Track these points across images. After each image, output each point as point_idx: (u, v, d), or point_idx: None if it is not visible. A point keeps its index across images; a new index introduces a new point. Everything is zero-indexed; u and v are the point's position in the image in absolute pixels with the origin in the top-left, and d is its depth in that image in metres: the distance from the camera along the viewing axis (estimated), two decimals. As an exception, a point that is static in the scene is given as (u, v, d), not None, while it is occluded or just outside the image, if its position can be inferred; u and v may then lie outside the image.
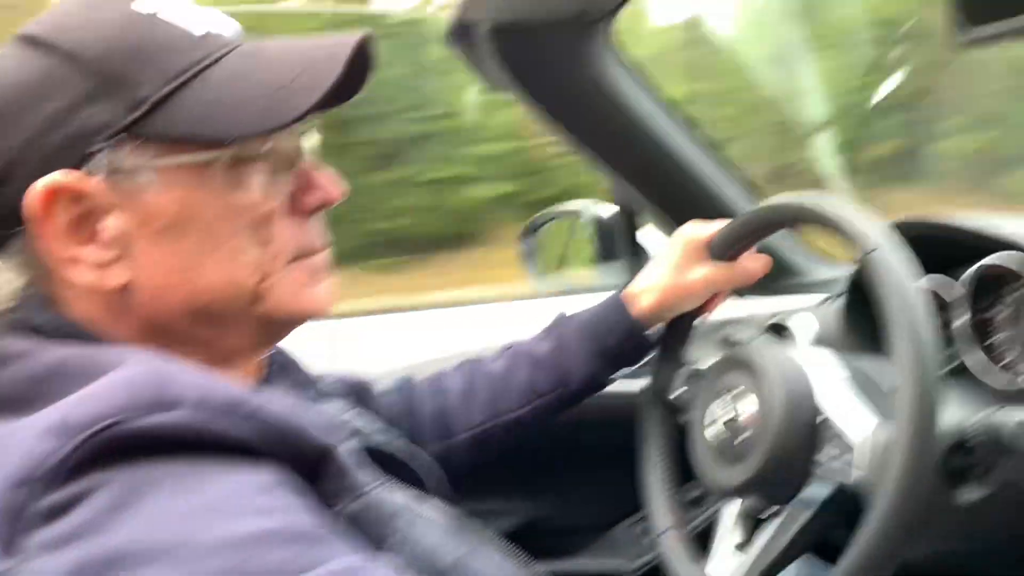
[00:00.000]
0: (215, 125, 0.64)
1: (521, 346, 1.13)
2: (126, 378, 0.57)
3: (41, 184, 0.62)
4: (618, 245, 1.50)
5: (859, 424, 0.84)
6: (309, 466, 0.62)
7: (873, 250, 0.82)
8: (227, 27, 0.70)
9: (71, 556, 0.50)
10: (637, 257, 1.47)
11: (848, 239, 0.87)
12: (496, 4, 1.10)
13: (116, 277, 0.65)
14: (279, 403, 0.62)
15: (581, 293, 1.68)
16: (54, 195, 0.62)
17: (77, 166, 0.63)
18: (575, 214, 1.68)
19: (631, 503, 1.56)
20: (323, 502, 0.62)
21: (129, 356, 0.61)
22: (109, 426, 0.53)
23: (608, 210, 1.58)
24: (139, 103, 0.63)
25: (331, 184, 0.74)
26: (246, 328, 0.72)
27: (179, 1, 0.69)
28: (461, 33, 1.19)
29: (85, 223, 0.64)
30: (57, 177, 0.62)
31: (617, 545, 1.51)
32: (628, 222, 1.47)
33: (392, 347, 1.48)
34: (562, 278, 1.74)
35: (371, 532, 0.64)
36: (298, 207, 0.72)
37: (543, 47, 1.20)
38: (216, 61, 0.66)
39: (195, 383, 0.58)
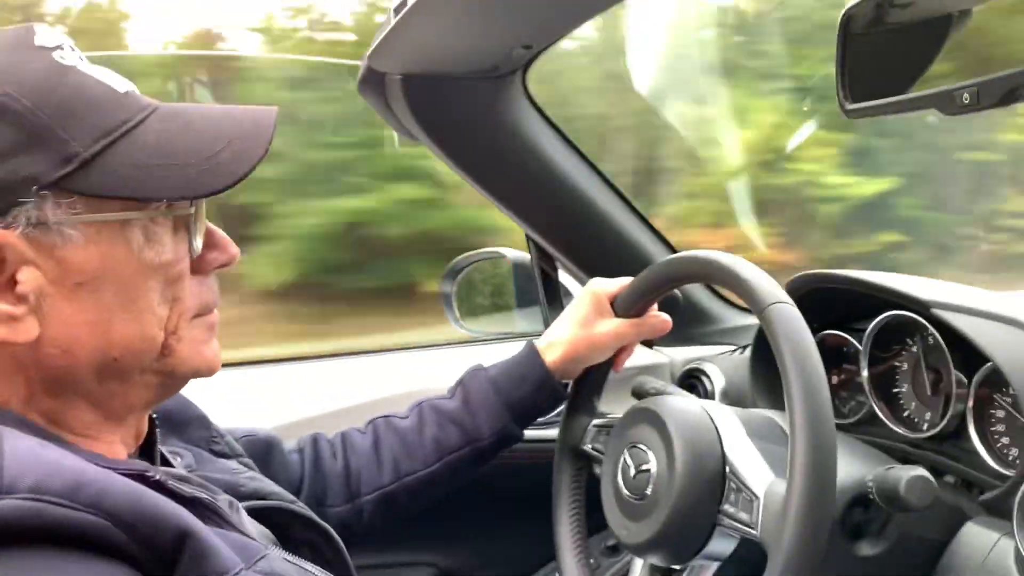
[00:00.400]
0: (144, 186, 0.65)
1: (431, 401, 1.12)
2: None
3: None
4: (536, 292, 1.50)
5: (758, 478, 0.84)
6: (162, 549, 0.59)
7: (768, 306, 0.84)
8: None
9: None
10: (555, 303, 1.48)
11: (745, 295, 0.88)
12: (404, 54, 1.10)
13: (28, 331, 0.63)
14: (126, 485, 0.59)
15: (501, 339, 1.69)
16: None
17: None
18: (495, 258, 1.68)
19: (544, 551, 1.56)
20: None
21: None
22: None
23: (527, 257, 1.59)
24: (68, 159, 0.62)
25: (231, 245, 0.75)
26: (147, 383, 0.71)
27: (84, 57, 0.68)
28: (372, 81, 1.19)
29: None
30: None
31: (532, 595, 1.50)
32: (544, 269, 1.47)
33: (301, 397, 1.44)
34: (483, 323, 1.73)
35: None
36: (201, 266, 0.73)
37: (454, 97, 1.21)
38: (141, 122, 0.67)
39: (32, 464, 0.56)
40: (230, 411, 0.96)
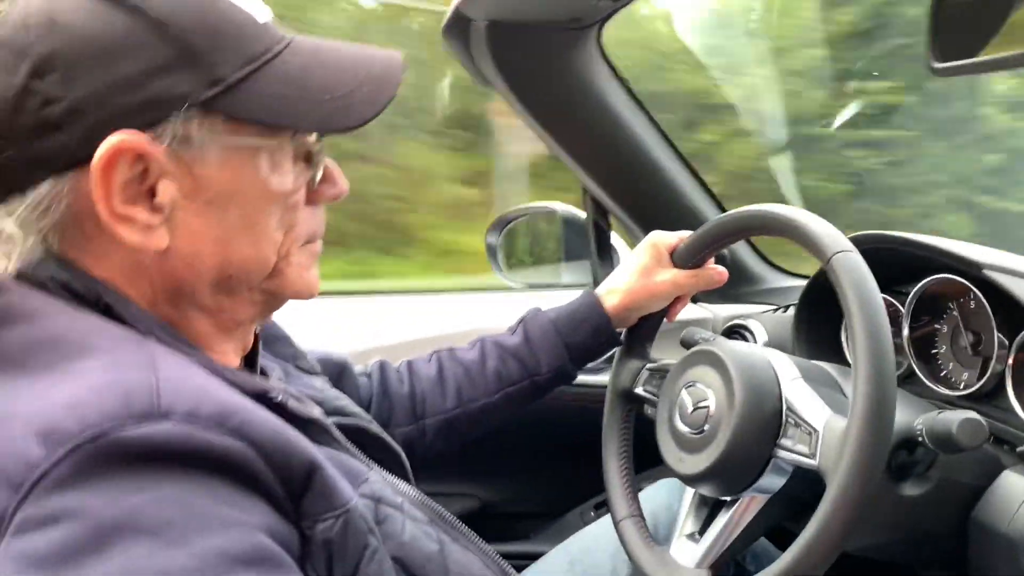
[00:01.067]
0: (282, 116, 0.69)
1: (493, 337, 1.18)
2: (118, 383, 0.58)
3: (112, 140, 0.63)
4: (587, 246, 1.55)
5: (817, 413, 0.90)
6: (295, 481, 0.64)
7: (836, 254, 0.88)
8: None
9: None
10: (606, 259, 1.53)
11: (811, 246, 0.93)
12: (495, 3, 1.14)
13: (160, 240, 0.67)
14: (267, 416, 0.64)
15: (546, 289, 1.74)
16: (119, 153, 0.64)
17: (143, 129, 0.65)
18: (545, 213, 1.72)
19: (582, 490, 1.63)
20: (304, 519, 0.65)
21: (125, 346, 0.63)
22: (97, 436, 0.55)
23: (578, 212, 1.63)
24: (216, 81, 0.66)
25: (342, 180, 0.79)
26: (253, 300, 0.76)
27: None
28: (457, 27, 1.23)
29: (139, 185, 0.66)
30: (127, 137, 0.64)
31: (567, 531, 1.56)
32: (599, 223, 1.52)
33: (364, 329, 1.50)
34: (527, 274, 1.78)
35: (348, 547, 0.67)
36: (314, 197, 0.77)
37: (535, 47, 1.25)
38: (279, 53, 0.70)
39: (186, 391, 0.60)
40: (301, 336, 1.00)
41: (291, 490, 0.64)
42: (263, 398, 0.69)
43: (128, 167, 0.65)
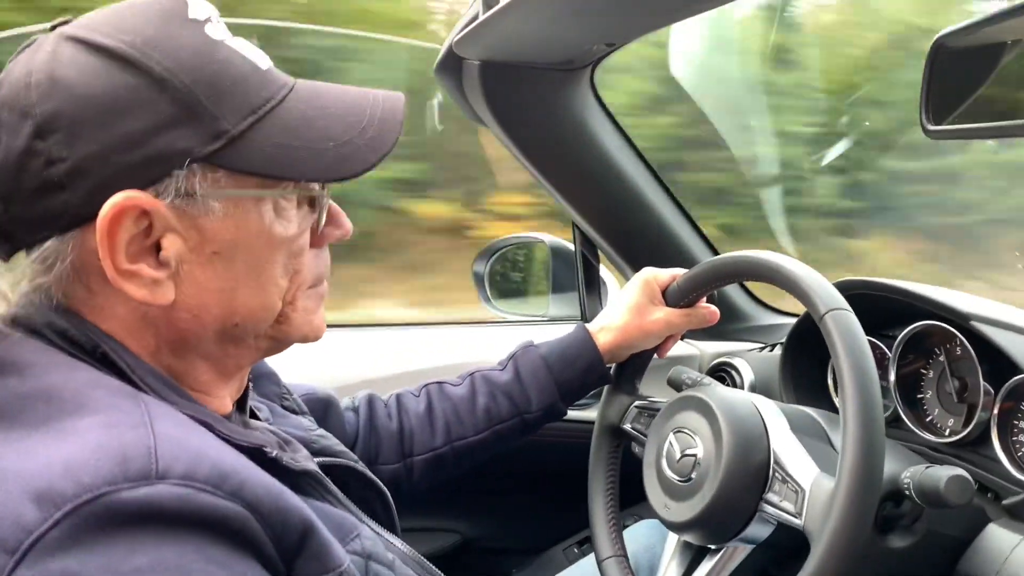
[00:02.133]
0: (284, 167, 0.68)
1: (484, 372, 1.17)
2: (114, 443, 0.57)
3: (117, 199, 0.63)
4: (575, 278, 1.55)
5: (805, 470, 0.90)
6: (290, 543, 0.63)
7: (830, 311, 0.88)
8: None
9: None
10: (593, 292, 1.53)
11: (805, 300, 0.92)
12: (488, 43, 1.14)
13: (166, 295, 0.67)
14: (263, 477, 0.63)
15: (533, 323, 1.73)
16: (123, 211, 0.64)
17: (145, 186, 0.64)
18: (533, 243, 1.72)
19: (565, 526, 1.62)
20: None
21: (121, 403, 0.62)
22: (94, 498, 0.54)
23: (567, 244, 1.63)
24: (219, 135, 0.66)
25: (346, 220, 0.79)
26: (258, 346, 0.75)
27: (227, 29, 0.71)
28: (450, 65, 1.23)
29: (143, 240, 0.66)
30: (132, 194, 0.64)
31: (551, 567, 1.55)
32: (587, 257, 1.52)
33: (348, 362, 1.49)
34: (514, 305, 1.78)
35: None
36: (318, 240, 0.77)
37: (527, 86, 1.25)
38: (282, 100, 0.70)
39: (183, 452, 0.59)
40: (284, 368, 0.99)
41: (286, 553, 0.63)
42: (257, 453, 0.68)
43: (133, 224, 0.65)
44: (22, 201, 0.64)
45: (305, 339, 0.77)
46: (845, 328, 0.86)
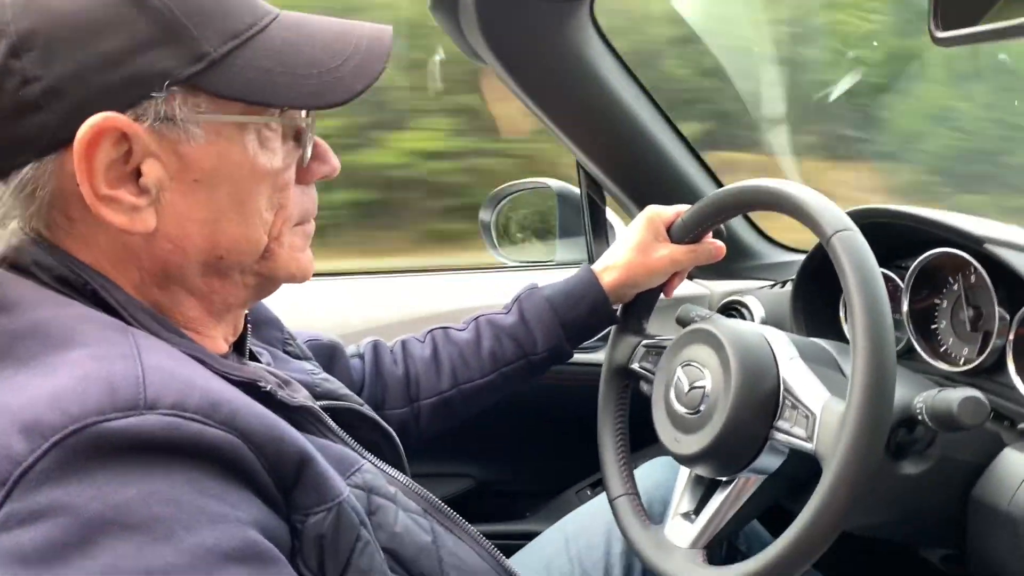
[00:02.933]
0: (268, 92, 0.67)
1: (488, 316, 1.16)
2: (102, 374, 0.57)
3: (94, 120, 0.62)
4: (582, 222, 1.53)
5: (815, 395, 0.88)
6: (286, 474, 0.63)
7: (837, 232, 0.86)
8: None
9: None
10: (601, 235, 1.51)
11: (811, 223, 0.91)
12: (483, -26, 1.11)
13: (146, 222, 0.66)
14: (256, 407, 0.63)
15: (540, 268, 1.72)
16: (101, 132, 0.63)
17: (124, 108, 0.63)
18: (539, 189, 1.70)
19: (578, 469, 1.62)
20: (295, 513, 0.64)
21: (110, 336, 0.62)
22: (81, 428, 0.54)
23: (572, 188, 1.61)
24: (200, 57, 0.65)
25: (333, 157, 0.78)
26: (245, 283, 0.74)
27: None
28: (445, 1, 1.20)
29: (123, 166, 0.65)
30: (111, 115, 0.62)
31: (564, 510, 1.56)
32: (593, 199, 1.50)
33: (356, 309, 1.49)
34: (521, 251, 1.77)
35: (340, 541, 0.66)
36: (304, 176, 0.76)
37: (525, 20, 1.22)
38: (265, 27, 0.69)
39: (172, 381, 0.58)
40: (287, 318, 0.99)
41: (282, 483, 0.63)
42: (252, 387, 0.68)
43: (112, 147, 0.64)
44: None
45: (292, 278, 0.76)
46: (853, 248, 0.84)
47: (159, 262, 0.69)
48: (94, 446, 0.54)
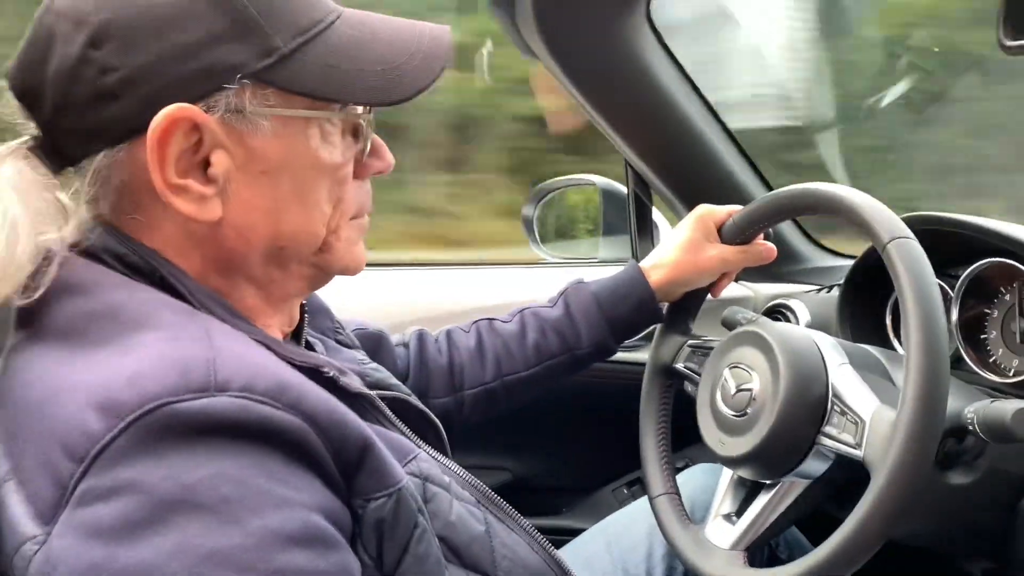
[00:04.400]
0: (334, 88, 0.69)
1: (533, 309, 1.16)
2: (176, 356, 0.58)
3: (168, 110, 0.64)
4: (627, 220, 1.53)
5: (864, 402, 0.88)
6: (349, 459, 0.64)
7: (893, 240, 0.86)
8: None
9: (93, 555, 0.52)
10: (646, 234, 1.51)
11: (866, 229, 0.90)
12: (542, -27, 1.12)
13: (213, 211, 0.68)
14: (321, 392, 0.64)
15: (583, 265, 1.72)
16: (175, 123, 0.64)
17: (196, 100, 0.65)
18: (583, 185, 1.70)
19: (615, 467, 1.62)
20: (356, 497, 0.65)
21: (182, 319, 0.63)
22: (155, 408, 0.55)
23: (618, 185, 1.61)
24: (270, 52, 0.66)
25: (389, 154, 0.79)
26: (302, 274, 0.76)
27: None
28: (503, -1, 1.22)
29: (192, 155, 0.66)
30: (184, 106, 0.64)
31: (600, 508, 1.56)
32: (640, 197, 1.50)
33: (399, 301, 1.50)
34: (564, 247, 1.77)
35: (399, 527, 0.67)
36: (361, 171, 0.77)
37: (582, 17, 1.22)
38: (331, 24, 0.70)
39: (243, 365, 0.60)
40: (338, 308, 1.00)
41: (345, 468, 0.64)
42: (315, 373, 0.69)
43: (183, 137, 0.65)
44: (74, 111, 0.65)
45: (346, 270, 0.78)
46: (909, 256, 0.84)
47: (223, 250, 0.70)
48: (167, 426, 0.55)
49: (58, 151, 0.68)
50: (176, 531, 0.53)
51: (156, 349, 0.59)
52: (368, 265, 0.79)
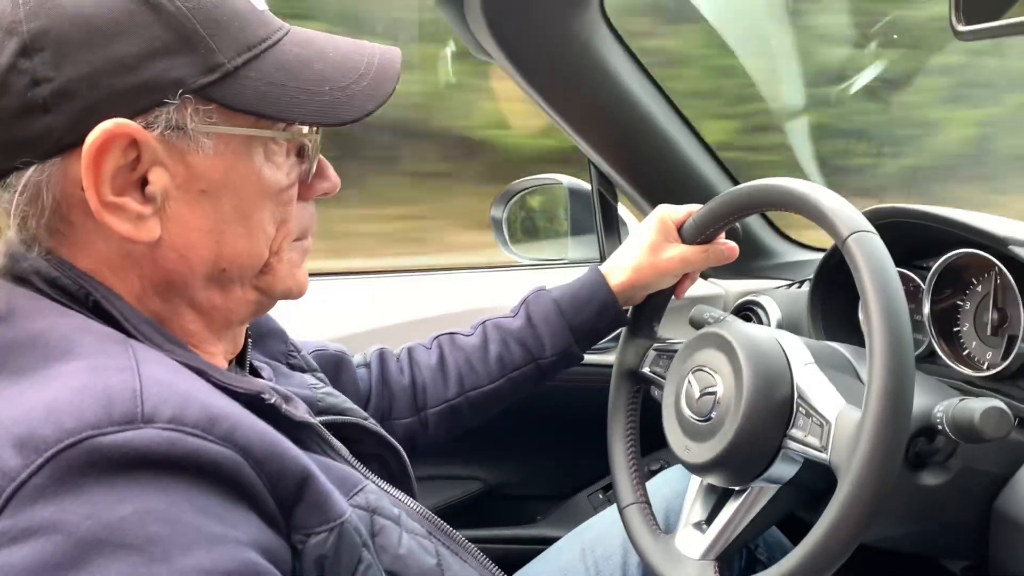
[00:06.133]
0: (279, 106, 0.66)
1: (495, 320, 1.14)
2: (98, 386, 0.55)
3: (106, 125, 0.61)
4: (594, 220, 1.50)
5: (830, 403, 0.85)
6: (287, 492, 0.61)
7: (852, 234, 0.83)
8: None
9: None
10: (612, 233, 1.48)
11: (826, 224, 0.87)
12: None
13: (151, 231, 0.65)
14: (257, 422, 0.61)
15: (551, 266, 1.69)
16: (112, 139, 0.61)
17: (134, 115, 0.62)
18: (550, 185, 1.68)
19: (589, 473, 1.60)
20: (295, 533, 0.62)
21: (108, 347, 0.60)
22: (76, 442, 0.52)
23: (585, 185, 1.58)
24: (214, 68, 0.64)
25: (334, 175, 0.77)
26: (245, 298, 0.73)
27: None
28: (451, -6, 1.18)
29: (129, 173, 0.64)
30: (122, 122, 0.61)
31: (575, 514, 1.54)
32: (604, 196, 1.47)
33: (364, 311, 1.47)
34: (533, 248, 1.74)
35: (342, 563, 0.65)
36: (306, 192, 0.75)
37: (534, 14, 1.19)
38: (278, 41, 0.68)
39: (171, 395, 0.57)
40: (294, 320, 0.97)
41: (283, 501, 0.61)
42: (254, 401, 0.66)
43: (120, 154, 0.62)
44: (2, 122, 0.62)
45: (288, 293, 0.75)
46: (869, 250, 0.81)
47: (162, 272, 0.67)
48: (89, 461, 0.52)
49: None
50: (99, 573, 0.50)
51: (78, 380, 0.56)
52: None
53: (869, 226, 0.84)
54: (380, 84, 0.71)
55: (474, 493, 1.57)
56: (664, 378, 1.06)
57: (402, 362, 1.13)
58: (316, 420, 0.74)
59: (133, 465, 0.53)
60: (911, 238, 1.12)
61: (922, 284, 1.14)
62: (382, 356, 1.13)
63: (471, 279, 1.69)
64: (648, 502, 1.08)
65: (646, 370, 1.12)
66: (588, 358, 1.16)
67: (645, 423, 1.13)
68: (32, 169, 0.63)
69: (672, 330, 1.16)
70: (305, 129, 0.72)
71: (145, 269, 0.67)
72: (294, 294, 0.76)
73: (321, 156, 0.76)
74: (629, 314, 1.15)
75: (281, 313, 0.95)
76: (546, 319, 1.11)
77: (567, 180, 1.63)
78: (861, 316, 1.25)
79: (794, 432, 0.87)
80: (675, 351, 1.05)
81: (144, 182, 0.64)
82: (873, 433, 0.75)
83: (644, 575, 1.13)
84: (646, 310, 1.15)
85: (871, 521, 0.76)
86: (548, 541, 1.25)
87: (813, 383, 0.88)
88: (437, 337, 1.15)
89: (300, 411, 0.72)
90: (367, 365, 1.12)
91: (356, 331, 1.37)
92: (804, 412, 0.87)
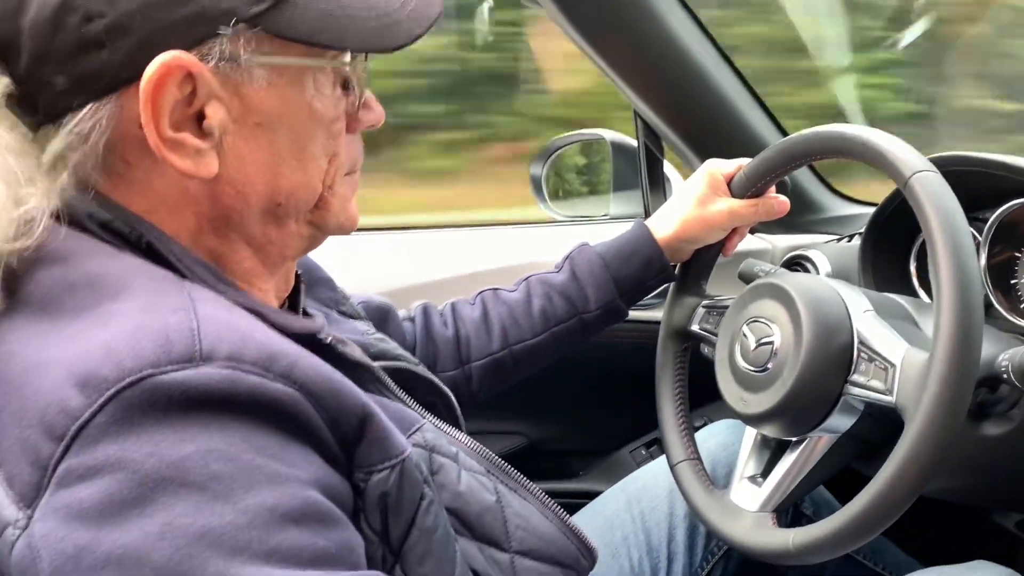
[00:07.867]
0: (328, 35, 0.65)
1: (539, 275, 1.13)
2: (155, 326, 0.55)
3: (163, 58, 0.60)
4: (639, 175, 1.47)
5: (894, 346, 0.84)
6: (348, 429, 0.61)
7: (916, 174, 0.81)
8: None
9: (77, 539, 0.50)
10: (658, 188, 1.46)
11: (886, 167, 0.85)
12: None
13: (209, 167, 0.64)
14: (316, 360, 0.60)
15: (593, 222, 1.68)
16: (169, 72, 0.60)
17: (189, 47, 0.61)
18: (592, 140, 1.65)
19: (632, 429, 1.59)
20: (357, 471, 0.62)
21: (164, 287, 0.60)
22: (136, 381, 0.52)
23: (629, 139, 1.56)
24: None
25: (379, 106, 0.76)
26: (300, 232, 0.72)
27: None
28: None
29: (186, 108, 0.63)
30: (179, 54, 0.60)
31: (618, 469, 1.54)
32: (651, 149, 1.45)
33: (406, 265, 1.46)
34: (574, 206, 1.72)
35: (404, 500, 0.64)
36: (353, 124, 0.74)
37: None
38: None
39: (229, 333, 0.56)
40: (340, 275, 0.97)
41: (344, 439, 0.61)
42: (310, 340, 0.66)
43: (176, 88, 0.61)
44: (56, 62, 0.61)
45: (341, 228, 0.75)
46: (934, 189, 0.79)
47: (219, 208, 0.67)
48: (150, 400, 0.52)
49: (37, 107, 0.63)
50: (163, 511, 0.50)
51: (135, 320, 0.56)
52: (372, 229, 0.76)
53: (931, 166, 0.82)
54: (425, 7, 0.70)
55: (516, 448, 1.57)
56: (715, 334, 1.05)
57: (446, 316, 1.12)
58: (369, 361, 0.74)
59: (193, 404, 0.53)
60: (967, 189, 1.09)
61: (979, 236, 1.12)
62: (426, 310, 1.13)
63: (513, 235, 1.68)
64: (700, 458, 1.07)
65: (695, 328, 1.11)
66: (632, 314, 1.15)
67: (690, 379, 1.12)
68: (87, 109, 0.62)
69: (720, 287, 1.14)
70: (348, 59, 0.70)
71: (202, 206, 0.66)
72: (346, 228, 0.75)
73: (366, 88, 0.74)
74: (676, 271, 1.14)
75: (323, 267, 0.96)
76: (591, 272, 1.10)
77: (609, 135, 1.60)
78: (913, 267, 1.23)
79: (855, 378, 0.86)
80: (725, 307, 1.04)
81: (200, 117, 0.63)
82: (943, 371, 0.74)
83: (690, 524, 1.14)
84: (694, 267, 1.14)
85: (940, 462, 0.75)
86: (591, 495, 1.25)
87: (874, 329, 0.87)
88: (480, 293, 1.14)
89: (355, 353, 0.72)
90: (411, 319, 1.12)
91: (397, 286, 1.37)
92: (866, 357, 0.86)
